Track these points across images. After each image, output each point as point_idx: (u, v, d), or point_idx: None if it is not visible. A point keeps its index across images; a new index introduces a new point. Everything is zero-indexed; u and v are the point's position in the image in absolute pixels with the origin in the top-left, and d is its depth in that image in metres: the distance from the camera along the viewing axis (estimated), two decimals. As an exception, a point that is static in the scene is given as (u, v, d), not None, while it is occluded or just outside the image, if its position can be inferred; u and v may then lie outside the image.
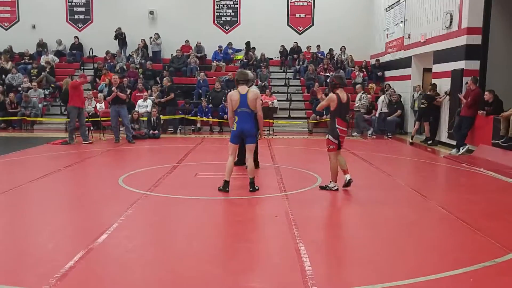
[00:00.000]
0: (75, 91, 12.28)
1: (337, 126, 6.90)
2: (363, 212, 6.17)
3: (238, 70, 7.59)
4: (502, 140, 10.04)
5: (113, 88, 12.59)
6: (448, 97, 12.85)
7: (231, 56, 20.41)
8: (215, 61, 19.93)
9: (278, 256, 4.43)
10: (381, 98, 15.86)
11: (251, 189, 6.91)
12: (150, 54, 20.40)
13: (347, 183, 7.08)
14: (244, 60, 20.03)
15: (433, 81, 13.87)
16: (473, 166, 9.60)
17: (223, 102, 15.83)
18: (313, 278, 3.81)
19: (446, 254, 4.55)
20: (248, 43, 20.39)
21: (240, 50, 20.59)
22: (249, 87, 6.97)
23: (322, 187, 7.17)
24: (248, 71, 7.39)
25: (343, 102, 6.85)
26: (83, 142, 12.38)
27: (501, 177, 8.50)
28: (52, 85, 17.97)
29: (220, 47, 20.33)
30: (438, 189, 8.15)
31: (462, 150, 11.21)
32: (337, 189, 7.03)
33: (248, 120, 6.75)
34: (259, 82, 18.32)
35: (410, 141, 13.68)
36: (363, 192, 7.27)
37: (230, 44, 20.58)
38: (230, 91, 7.91)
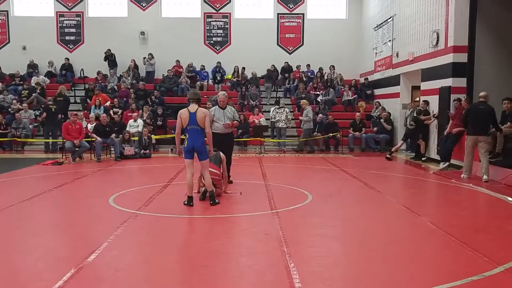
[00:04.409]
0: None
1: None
2: (353, 228, 6.21)
3: (190, 90, 7.95)
4: (490, 156, 10.15)
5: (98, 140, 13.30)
6: (436, 120, 13.04)
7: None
8: (199, 81, 20.14)
9: (268, 274, 4.42)
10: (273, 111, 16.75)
11: (211, 202, 7.18)
12: (142, 75, 20.49)
13: (203, 194, 7.58)
14: (234, 79, 20.21)
15: (422, 98, 14.05)
16: (462, 181, 9.70)
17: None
18: (303, 294, 3.82)
19: (436, 269, 4.57)
20: (219, 63, 20.71)
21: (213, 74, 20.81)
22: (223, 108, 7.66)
23: (201, 198, 7.56)
24: (197, 91, 7.66)
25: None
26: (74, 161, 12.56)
27: (489, 192, 8.58)
28: (43, 106, 17.94)
29: (202, 66, 20.59)
30: (427, 205, 8.18)
31: (442, 166, 11.28)
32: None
33: (198, 137, 7.14)
34: (250, 101, 18.46)
35: (388, 156, 13.70)
36: (353, 209, 7.32)
37: (219, 63, 20.74)
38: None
